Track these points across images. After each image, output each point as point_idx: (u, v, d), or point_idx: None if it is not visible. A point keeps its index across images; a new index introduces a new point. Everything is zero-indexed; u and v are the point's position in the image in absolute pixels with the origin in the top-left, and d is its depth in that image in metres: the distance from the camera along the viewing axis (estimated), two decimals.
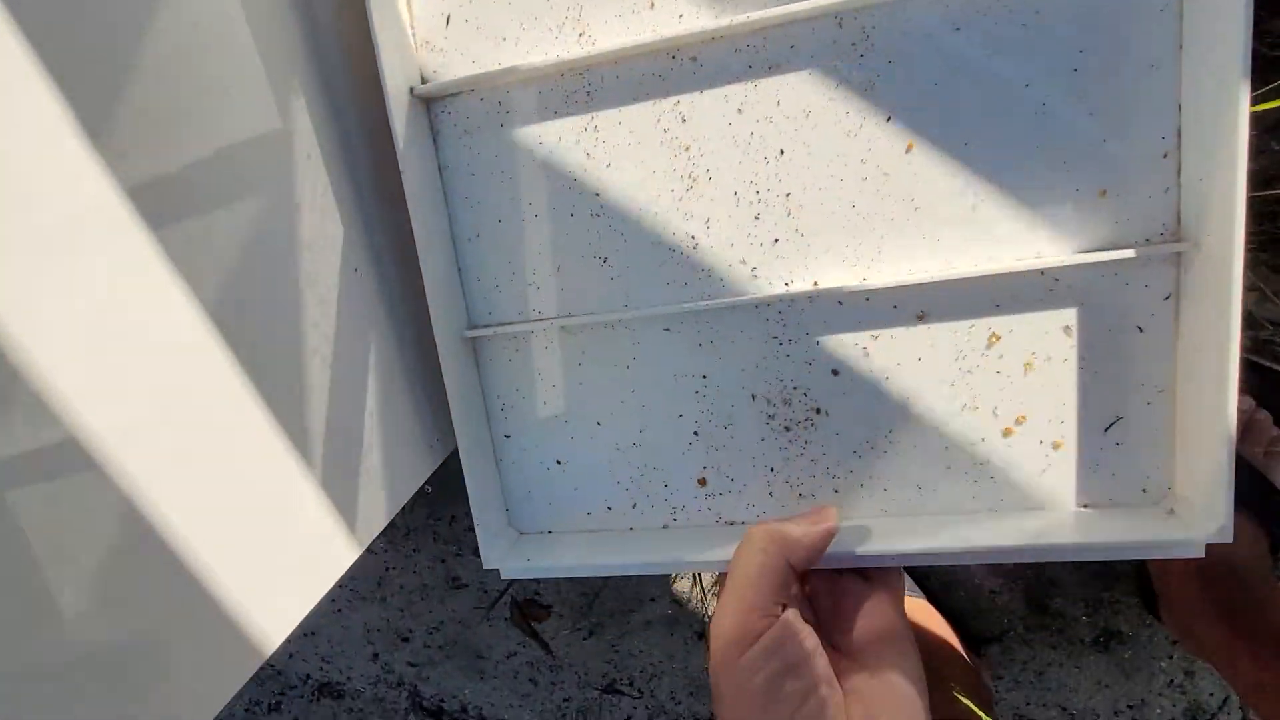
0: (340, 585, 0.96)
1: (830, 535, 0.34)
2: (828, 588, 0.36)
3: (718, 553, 0.41)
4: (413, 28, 0.42)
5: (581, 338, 0.44)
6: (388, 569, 0.92)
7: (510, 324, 0.44)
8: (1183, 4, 0.33)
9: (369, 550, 0.92)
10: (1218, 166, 0.32)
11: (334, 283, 0.39)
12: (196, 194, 0.31)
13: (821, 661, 0.29)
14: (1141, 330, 0.37)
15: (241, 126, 0.33)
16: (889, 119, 0.37)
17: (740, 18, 0.36)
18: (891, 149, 0.37)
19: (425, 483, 0.77)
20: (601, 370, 0.44)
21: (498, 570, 0.45)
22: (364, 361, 0.42)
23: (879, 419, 0.41)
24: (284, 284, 0.35)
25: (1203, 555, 0.36)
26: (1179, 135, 0.34)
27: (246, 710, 1.09)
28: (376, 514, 0.42)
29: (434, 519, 0.87)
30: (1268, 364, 0.61)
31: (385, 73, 0.38)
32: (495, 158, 0.42)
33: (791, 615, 0.30)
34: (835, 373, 0.41)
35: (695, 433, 0.43)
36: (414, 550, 0.89)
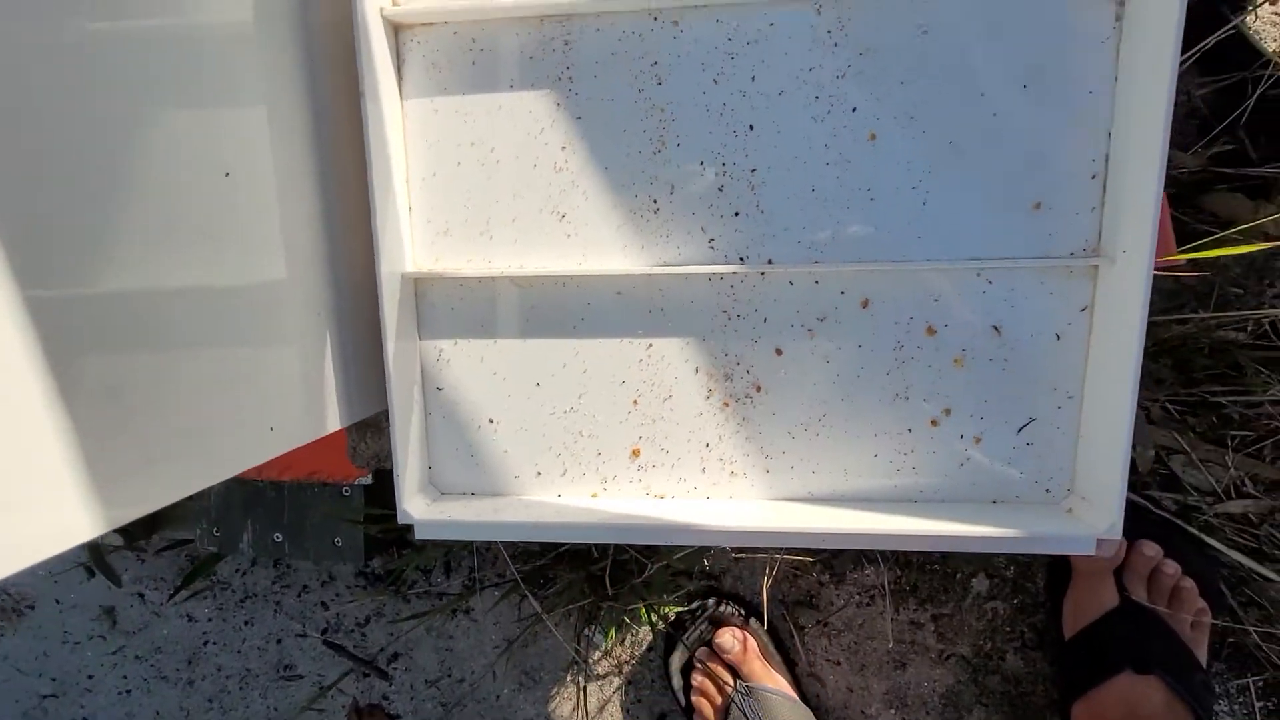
0: (139, 658, 0.73)
1: None
2: None
3: (643, 528, 0.40)
4: None
5: (531, 293, 0.42)
6: (206, 643, 0.71)
7: (458, 271, 0.42)
8: (1120, 40, 0.36)
9: (187, 617, 0.73)
10: (1137, 193, 0.35)
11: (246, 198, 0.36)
12: (116, 73, 0.28)
13: None
14: (1059, 338, 0.39)
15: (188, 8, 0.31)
16: (855, 109, 0.38)
17: None
18: (855, 138, 0.39)
19: (274, 531, 0.63)
20: (548, 329, 0.43)
21: (412, 527, 0.42)
22: (262, 309, 0.35)
23: (816, 401, 0.42)
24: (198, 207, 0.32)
25: (1093, 552, 0.38)
26: (1107, 161, 0.37)
27: None
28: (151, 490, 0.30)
29: (281, 585, 0.69)
30: (1194, 532, 0.57)
31: None
32: (462, 96, 0.41)
33: None
34: (779, 351, 0.41)
35: (634, 401, 0.43)
36: (245, 623, 0.70)
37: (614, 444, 0.44)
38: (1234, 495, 0.63)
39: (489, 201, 0.42)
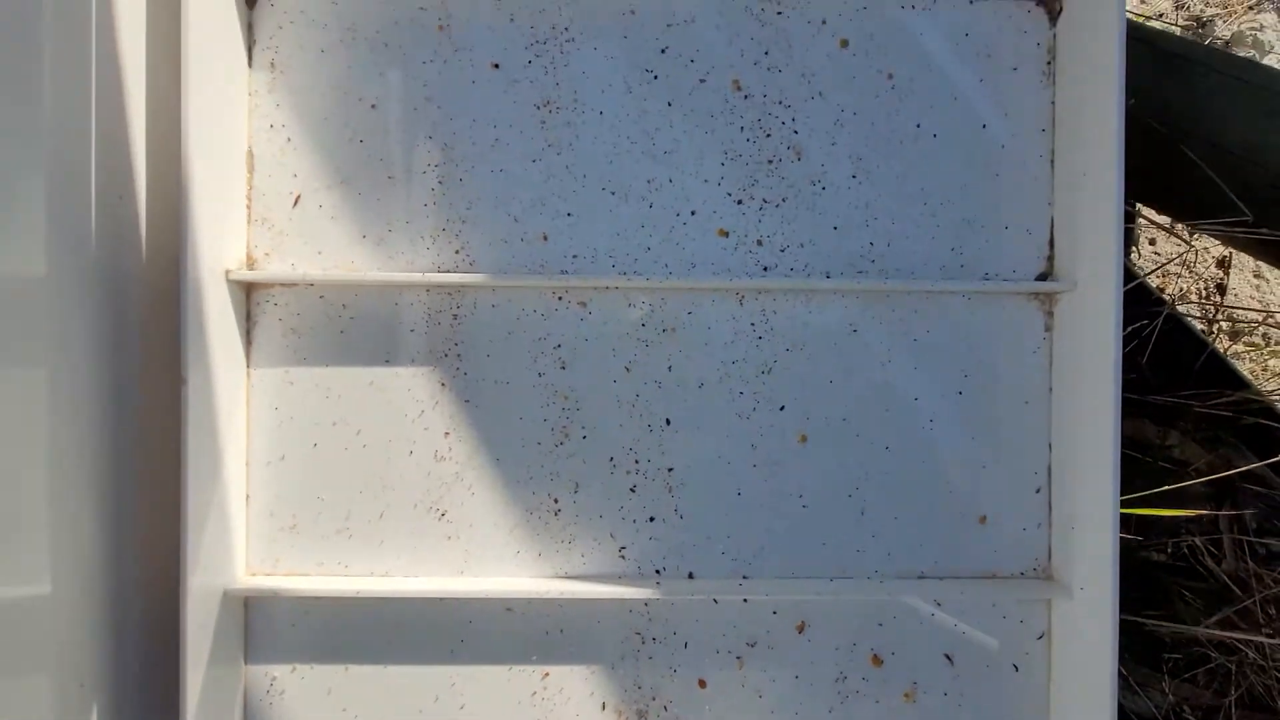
0: None
1: None
2: None
3: None
4: (249, 199, 0.34)
5: (398, 606, 0.34)
6: None
7: (301, 584, 0.34)
8: (1052, 349, 0.34)
9: None
10: (1086, 513, 0.32)
11: None
12: None
13: None
14: (1017, 669, 0.34)
15: None
16: (783, 408, 0.34)
17: (638, 280, 0.33)
18: (784, 438, 0.34)
19: None
20: (417, 653, 0.34)
21: None
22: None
23: None
24: None
25: None
26: (1049, 473, 0.35)
27: None
28: None
29: None
30: None
31: (191, 247, 0.30)
32: (326, 368, 0.34)
33: None
34: (702, 683, 0.34)
35: None
36: None
37: None
38: None
39: (351, 493, 0.34)
